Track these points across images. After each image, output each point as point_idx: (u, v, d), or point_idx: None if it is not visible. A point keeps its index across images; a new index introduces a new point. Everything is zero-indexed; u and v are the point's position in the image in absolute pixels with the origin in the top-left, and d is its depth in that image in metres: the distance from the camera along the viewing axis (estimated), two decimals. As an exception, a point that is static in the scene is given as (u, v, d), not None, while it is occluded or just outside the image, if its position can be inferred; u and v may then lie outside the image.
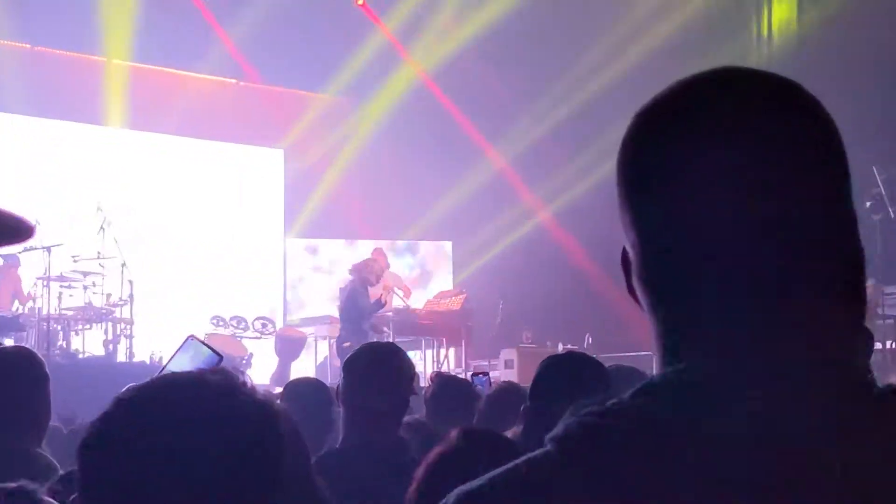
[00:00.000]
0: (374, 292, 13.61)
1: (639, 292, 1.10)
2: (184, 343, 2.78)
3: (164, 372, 2.28)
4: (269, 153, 18.87)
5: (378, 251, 15.53)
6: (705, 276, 1.03)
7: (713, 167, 1.02)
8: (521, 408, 3.57)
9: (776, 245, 1.01)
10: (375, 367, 3.79)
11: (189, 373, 1.60)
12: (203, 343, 2.81)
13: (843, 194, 1.06)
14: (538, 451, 1.06)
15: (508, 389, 5.39)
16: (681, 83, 1.08)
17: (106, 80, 16.44)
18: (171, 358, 2.72)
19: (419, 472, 2.26)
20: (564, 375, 3.37)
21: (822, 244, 1.03)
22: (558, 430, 1.05)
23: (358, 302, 13.19)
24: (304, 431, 2.71)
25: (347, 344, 12.60)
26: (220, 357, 2.69)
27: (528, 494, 1.02)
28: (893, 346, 12.91)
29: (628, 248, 1.11)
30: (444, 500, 1.06)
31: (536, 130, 17.49)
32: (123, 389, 1.55)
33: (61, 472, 2.93)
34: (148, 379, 1.57)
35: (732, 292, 1.02)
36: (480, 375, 7.39)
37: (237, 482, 1.47)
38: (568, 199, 17.24)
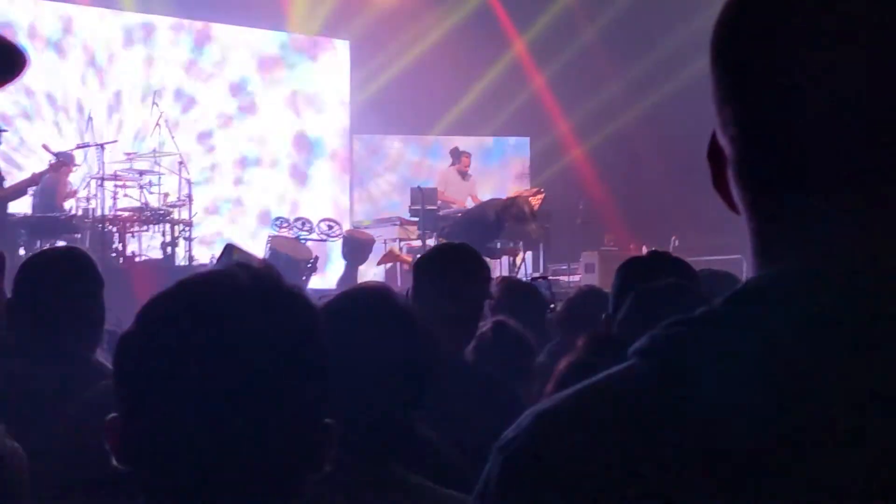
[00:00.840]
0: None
1: (735, 188, 1.05)
2: (222, 253, 2.78)
3: None
4: (336, 44, 18.78)
5: (455, 151, 15.52)
6: (816, 166, 0.97)
7: (819, 38, 0.96)
8: (603, 316, 3.49)
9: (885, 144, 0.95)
10: (448, 266, 3.73)
11: (225, 268, 1.58)
12: (243, 251, 2.80)
13: None
14: (620, 366, 1.00)
15: (589, 294, 5.32)
16: None
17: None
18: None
19: (549, 387, 2.21)
20: (652, 279, 3.24)
21: None
22: (643, 341, 0.99)
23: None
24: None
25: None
26: (267, 265, 2.69)
27: (611, 413, 0.96)
28: None
29: (724, 141, 1.04)
30: (517, 421, 1.01)
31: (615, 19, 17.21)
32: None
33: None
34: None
35: (841, 187, 0.96)
36: (541, 280, 7.37)
37: (278, 381, 1.46)
38: (654, 95, 17.02)
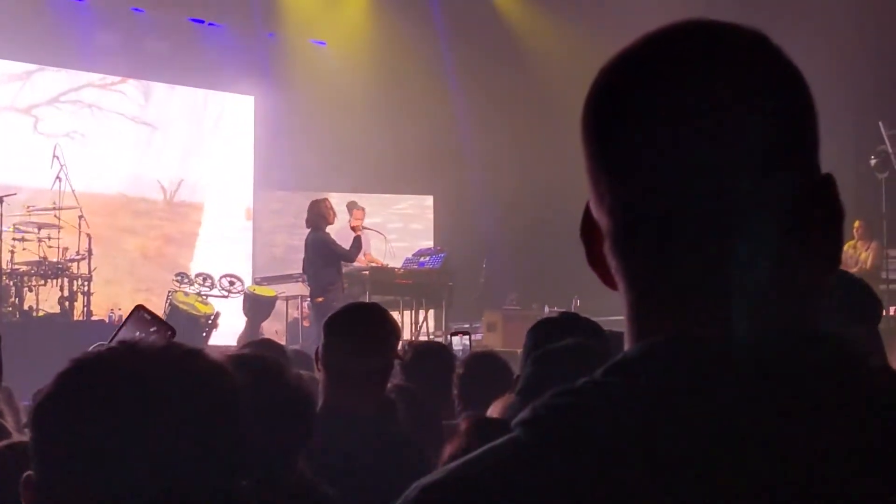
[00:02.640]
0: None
1: (613, 261, 1.06)
2: (130, 315, 2.76)
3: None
4: (239, 100, 18.73)
5: (352, 204, 15.45)
6: (674, 234, 1.01)
7: (675, 113, 1.00)
8: (515, 376, 3.49)
9: (742, 199, 0.99)
10: (359, 326, 3.74)
11: (144, 340, 1.64)
12: (152, 315, 2.79)
13: (807, 148, 1.05)
14: (504, 438, 1.01)
15: (485, 357, 5.27)
16: (646, 36, 1.06)
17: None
18: (118, 330, 2.70)
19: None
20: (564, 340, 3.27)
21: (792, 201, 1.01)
22: (525, 413, 1.01)
23: (333, 248, 12.95)
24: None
25: (320, 299, 12.49)
26: (172, 330, 2.70)
27: (495, 485, 0.98)
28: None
29: (600, 214, 1.07)
30: (403, 495, 1.02)
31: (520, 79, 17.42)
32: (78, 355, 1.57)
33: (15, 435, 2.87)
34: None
35: (702, 254, 1.00)
36: (460, 336, 7.36)
37: (199, 448, 1.49)
38: (553, 155, 17.22)
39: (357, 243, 13.13)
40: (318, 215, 12.91)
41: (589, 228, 1.09)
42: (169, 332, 2.68)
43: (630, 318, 1.05)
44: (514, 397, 3.41)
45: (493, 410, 3.66)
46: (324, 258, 12.69)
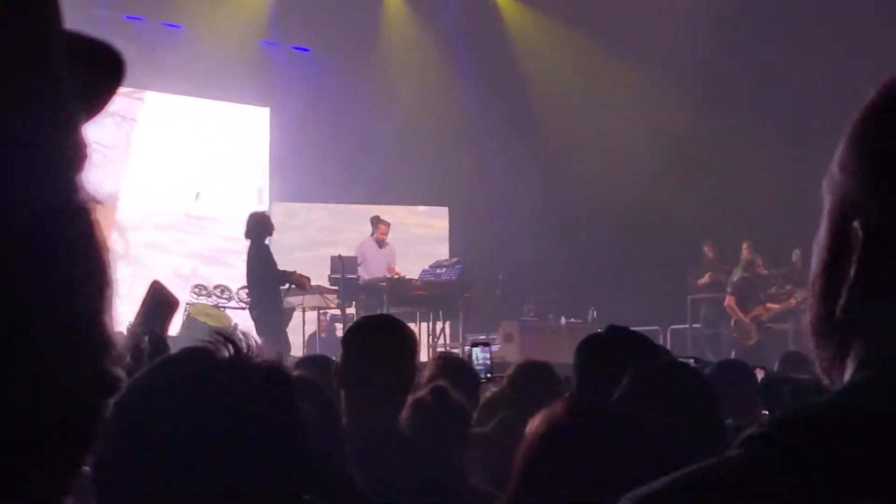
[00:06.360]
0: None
1: (858, 281, 1.00)
2: (149, 288, 2.87)
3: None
4: (254, 111, 18.79)
5: (376, 218, 15.49)
6: None
7: None
8: (567, 394, 3.46)
9: None
10: (377, 340, 3.73)
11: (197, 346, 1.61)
12: (164, 289, 2.89)
13: None
14: (730, 454, 0.96)
15: (531, 367, 5.29)
16: None
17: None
18: (144, 304, 2.79)
19: (524, 448, 2.22)
20: (617, 357, 3.22)
21: None
22: (753, 430, 0.97)
23: (270, 262, 12.47)
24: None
25: (255, 313, 12.33)
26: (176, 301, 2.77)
27: (727, 498, 0.93)
28: None
29: (861, 229, 1.00)
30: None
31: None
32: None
33: None
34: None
35: None
36: (481, 347, 7.31)
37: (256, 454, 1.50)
38: (571, 167, 17.26)
39: (297, 280, 12.94)
40: (259, 225, 12.52)
41: (841, 236, 1.02)
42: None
43: (867, 341, 1.00)
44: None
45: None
46: (261, 271, 12.46)
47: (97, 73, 0.71)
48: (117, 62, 0.72)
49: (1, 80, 0.58)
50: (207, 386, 1.51)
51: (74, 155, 0.62)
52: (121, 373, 0.62)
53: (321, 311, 14.92)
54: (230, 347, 1.55)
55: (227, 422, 1.48)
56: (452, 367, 5.25)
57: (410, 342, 3.84)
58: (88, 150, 0.63)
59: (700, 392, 2.77)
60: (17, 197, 0.57)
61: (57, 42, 0.63)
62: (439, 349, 13.13)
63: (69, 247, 0.60)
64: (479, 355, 6.81)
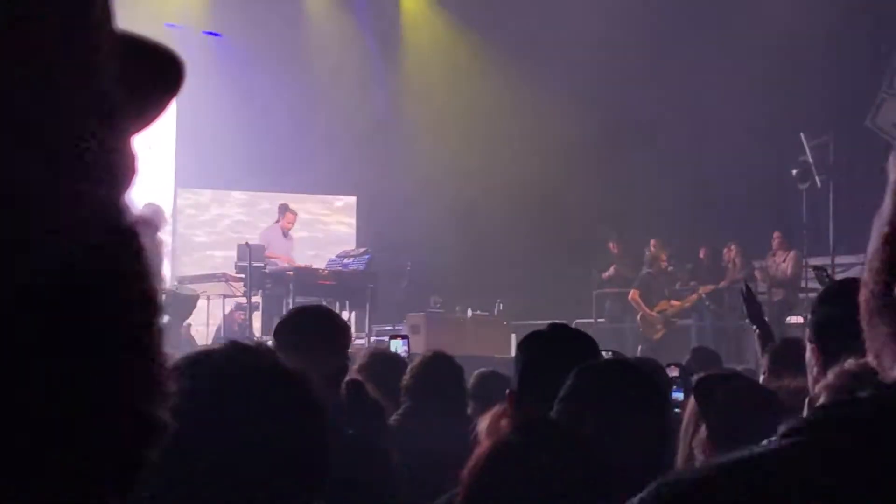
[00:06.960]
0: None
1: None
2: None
3: None
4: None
5: (284, 206, 15.39)
6: None
7: None
8: (507, 391, 3.39)
9: None
10: (308, 329, 3.69)
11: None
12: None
13: None
14: (770, 443, 0.96)
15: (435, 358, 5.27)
16: None
17: None
18: None
19: (467, 470, 2.17)
20: (559, 355, 3.17)
21: None
22: (796, 422, 0.96)
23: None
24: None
25: None
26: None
27: (770, 486, 0.92)
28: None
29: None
30: (646, 490, 0.97)
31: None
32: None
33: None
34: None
35: None
36: (401, 339, 7.32)
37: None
38: (478, 160, 17.32)
39: None
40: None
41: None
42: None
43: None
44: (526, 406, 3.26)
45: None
46: None
47: (150, 80, 0.62)
48: (174, 67, 0.63)
49: (41, 87, 0.51)
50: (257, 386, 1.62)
51: (122, 170, 0.55)
52: (167, 417, 0.56)
53: (227, 299, 14.77)
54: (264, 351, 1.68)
55: (267, 423, 1.58)
56: (384, 359, 5.26)
57: (342, 334, 3.83)
58: (137, 164, 0.56)
59: (646, 390, 2.76)
60: (61, 220, 0.51)
61: (104, 45, 0.56)
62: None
63: (115, 279, 0.54)
64: (399, 347, 6.80)
